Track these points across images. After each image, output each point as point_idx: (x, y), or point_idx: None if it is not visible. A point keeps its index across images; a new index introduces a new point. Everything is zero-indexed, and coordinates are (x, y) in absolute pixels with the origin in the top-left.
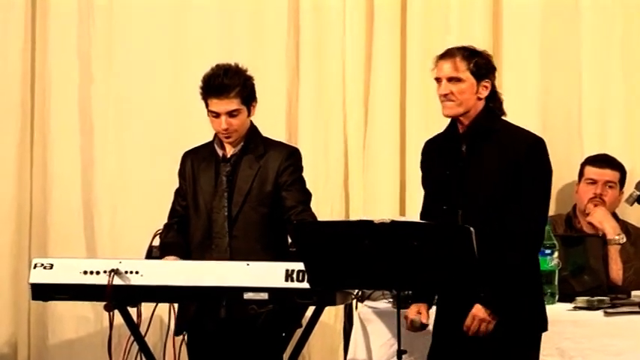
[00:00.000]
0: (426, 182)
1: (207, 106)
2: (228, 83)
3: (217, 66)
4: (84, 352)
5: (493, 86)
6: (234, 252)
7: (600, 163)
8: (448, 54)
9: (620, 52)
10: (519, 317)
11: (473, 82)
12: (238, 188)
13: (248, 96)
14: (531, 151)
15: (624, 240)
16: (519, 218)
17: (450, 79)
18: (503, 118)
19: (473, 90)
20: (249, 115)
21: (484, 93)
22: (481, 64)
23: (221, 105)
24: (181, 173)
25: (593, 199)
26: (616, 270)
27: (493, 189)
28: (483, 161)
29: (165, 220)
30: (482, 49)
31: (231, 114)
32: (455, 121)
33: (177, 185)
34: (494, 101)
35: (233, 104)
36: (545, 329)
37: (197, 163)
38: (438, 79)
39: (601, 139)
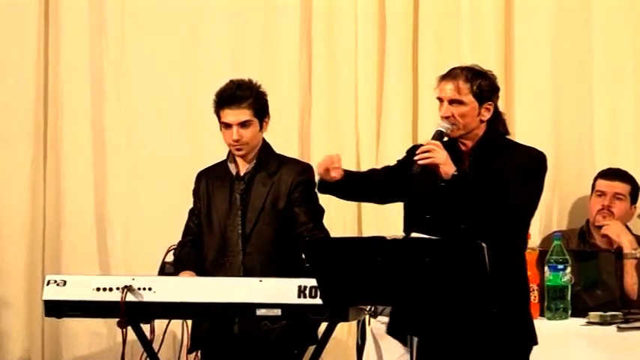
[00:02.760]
0: (402, 181)
1: (219, 119)
2: (240, 94)
3: (231, 81)
4: None
5: (496, 107)
6: (247, 269)
7: (610, 175)
8: (451, 75)
9: (632, 69)
10: (507, 332)
11: (475, 106)
12: (252, 206)
13: (260, 109)
14: (528, 157)
15: None
16: (504, 196)
17: (452, 102)
18: (506, 137)
19: (475, 113)
20: (261, 129)
21: (487, 115)
22: (484, 87)
23: (233, 115)
24: (196, 193)
25: (601, 211)
26: (631, 284)
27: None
28: (486, 177)
29: (178, 236)
30: (486, 69)
31: (242, 125)
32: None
33: (189, 201)
34: (497, 121)
35: (245, 115)
36: (535, 343)
37: (211, 182)
38: (440, 99)
39: (613, 155)
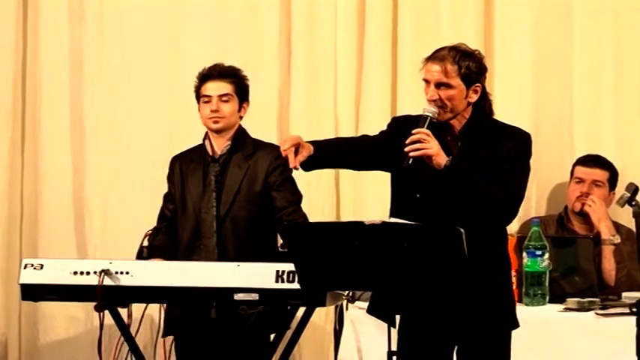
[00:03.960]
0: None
1: (199, 96)
2: (224, 71)
3: (215, 64)
4: (74, 352)
5: (483, 88)
6: (222, 251)
7: (589, 162)
8: (438, 57)
9: (612, 54)
10: (490, 315)
11: (463, 88)
12: (227, 187)
13: (241, 91)
14: (517, 141)
15: (619, 240)
16: (500, 188)
17: (439, 85)
18: (493, 118)
19: (462, 95)
20: (239, 110)
21: (474, 97)
22: (472, 69)
23: (214, 87)
24: (170, 177)
25: (580, 198)
26: (609, 270)
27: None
28: (474, 157)
29: (156, 221)
30: (473, 48)
31: (222, 98)
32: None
33: (167, 186)
34: (484, 101)
35: (226, 89)
36: (517, 326)
37: (185, 166)
38: (426, 81)
39: (592, 141)
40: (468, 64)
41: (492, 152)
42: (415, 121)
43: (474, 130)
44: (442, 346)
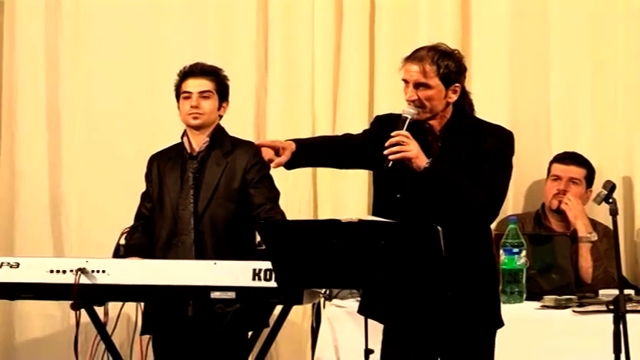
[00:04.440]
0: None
1: (180, 93)
2: (205, 68)
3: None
4: (51, 350)
5: (463, 87)
6: (199, 249)
7: (566, 160)
8: (417, 57)
9: (589, 53)
10: (474, 316)
11: (442, 89)
12: (205, 184)
13: (222, 90)
14: (499, 140)
15: (595, 238)
16: (483, 189)
17: (418, 85)
18: (473, 116)
19: (441, 95)
20: (219, 109)
21: (454, 97)
22: (451, 68)
23: (195, 84)
24: (148, 176)
25: (557, 195)
26: (586, 268)
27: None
28: (455, 157)
29: (133, 219)
30: (453, 48)
31: (202, 94)
32: None
33: (144, 185)
34: (464, 100)
35: (207, 85)
36: (500, 325)
37: (163, 164)
38: (405, 81)
39: (569, 139)
40: (446, 64)
41: (474, 151)
42: (397, 121)
43: (455, 130)
44: (426, 347)
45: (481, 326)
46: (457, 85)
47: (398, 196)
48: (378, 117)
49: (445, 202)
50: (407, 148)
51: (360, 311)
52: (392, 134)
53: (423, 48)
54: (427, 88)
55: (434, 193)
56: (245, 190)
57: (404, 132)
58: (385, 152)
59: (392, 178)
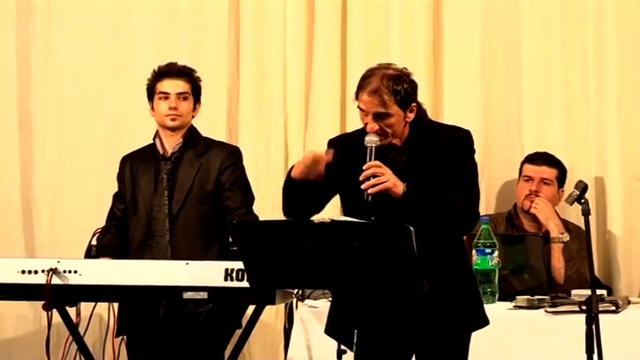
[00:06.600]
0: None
1: (154, 93)
2: (180, 69)
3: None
4: (23, 351)
5: (417, 103)
6: (174, 250)
7: (537, 160)
8: (372, 89)
9: (561, 53)
10: (455, 314)
11: (401, 113)
12: (179, 186)
13: (196, 90)
14: (459, 142)
15: (567, 238)
16: (460, 196)
17: (377, 115)
18: (429, 121)
19: (401, 119)
20: (193, 110)
21: (411, 116)
22: (407, 91)
23: (172, 85)
24: (120, 177)
25: (529, 196)
26: (558, 268)
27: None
28: (422, 168)
29: (104, 220)
30: (400, 67)
31: (181, 96)
32: None
33: (115, 186)
34: (420, 113)
35: (184, 87)
36: (486, 324)
37: (136, 165)
38: (362, 110)
39: (541, 139)
40: (401, 89)
41: (438, 159)
42: (354, 142)
43: (416, 143)
44: (400, 346)
45: (461, 325)
46: (414, 104)
47: (372, 219)
48: (332, 141)
49: (427, 220)
50: (383, 178)
51: (327, 332)
52: (363, 167)
53: (373, 74)
54: (387, 117)
55: (414, 215)
56: (219, 192)
57: (375, 162)
58: (363, 187)
59: (369, 207)
